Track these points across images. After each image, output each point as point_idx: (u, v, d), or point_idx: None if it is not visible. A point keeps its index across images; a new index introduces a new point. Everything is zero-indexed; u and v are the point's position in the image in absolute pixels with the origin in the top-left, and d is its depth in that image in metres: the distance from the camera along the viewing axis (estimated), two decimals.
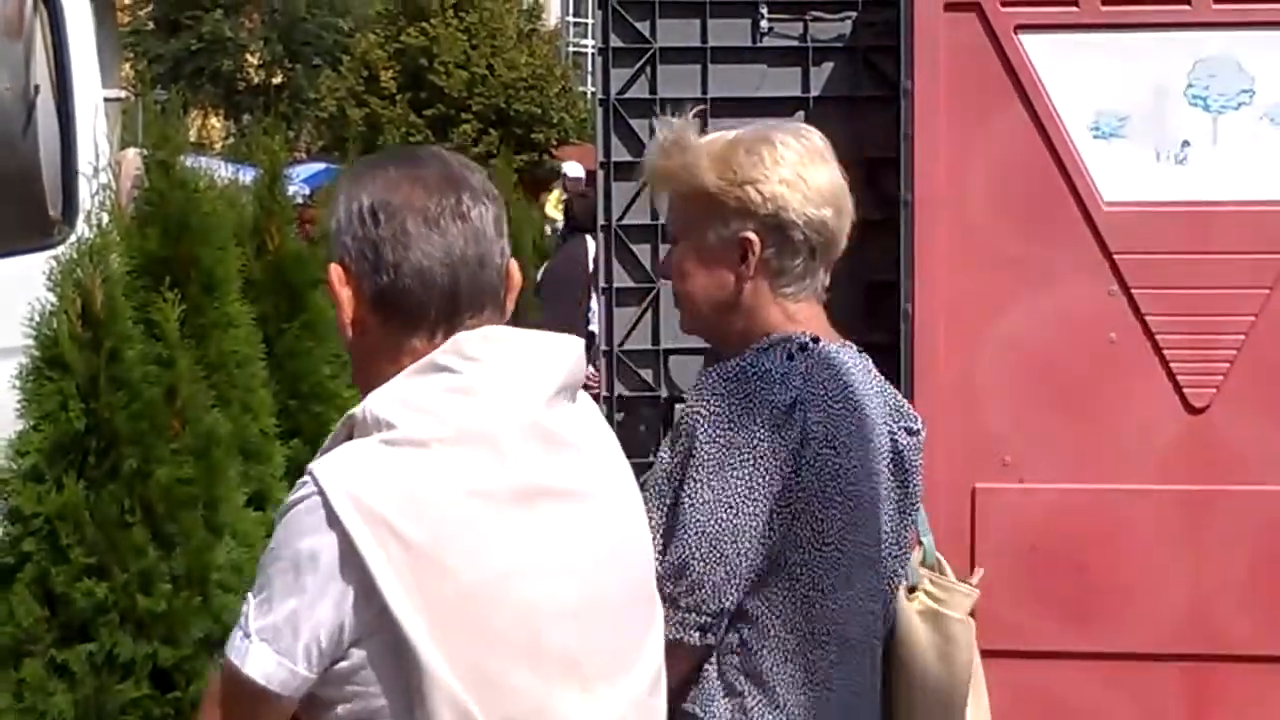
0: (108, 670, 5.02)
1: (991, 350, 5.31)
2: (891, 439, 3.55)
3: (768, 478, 3.30)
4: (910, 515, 3.65)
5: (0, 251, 10.07)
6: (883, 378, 3.57)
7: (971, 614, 3.70)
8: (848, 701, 3.47)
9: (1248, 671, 5.26)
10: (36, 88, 10.09)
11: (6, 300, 9.88)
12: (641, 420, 6.25)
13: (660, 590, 3.08)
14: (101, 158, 10.60)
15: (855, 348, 3.55)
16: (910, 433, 3.61)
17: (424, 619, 2.68)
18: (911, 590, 3.67)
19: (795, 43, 6.23)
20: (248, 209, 6.50)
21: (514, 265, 2.95)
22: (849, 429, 3.39)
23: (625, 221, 6.27)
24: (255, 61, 63.56)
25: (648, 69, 6.23)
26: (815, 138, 3.52)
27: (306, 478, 2.81)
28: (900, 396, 3.64)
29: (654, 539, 3.14)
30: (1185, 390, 5.26)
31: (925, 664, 3.67)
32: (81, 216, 8.32)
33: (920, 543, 3.75)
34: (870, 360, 3.57)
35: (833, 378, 3.39)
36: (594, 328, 6.63)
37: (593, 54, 6.59)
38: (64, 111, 10.08)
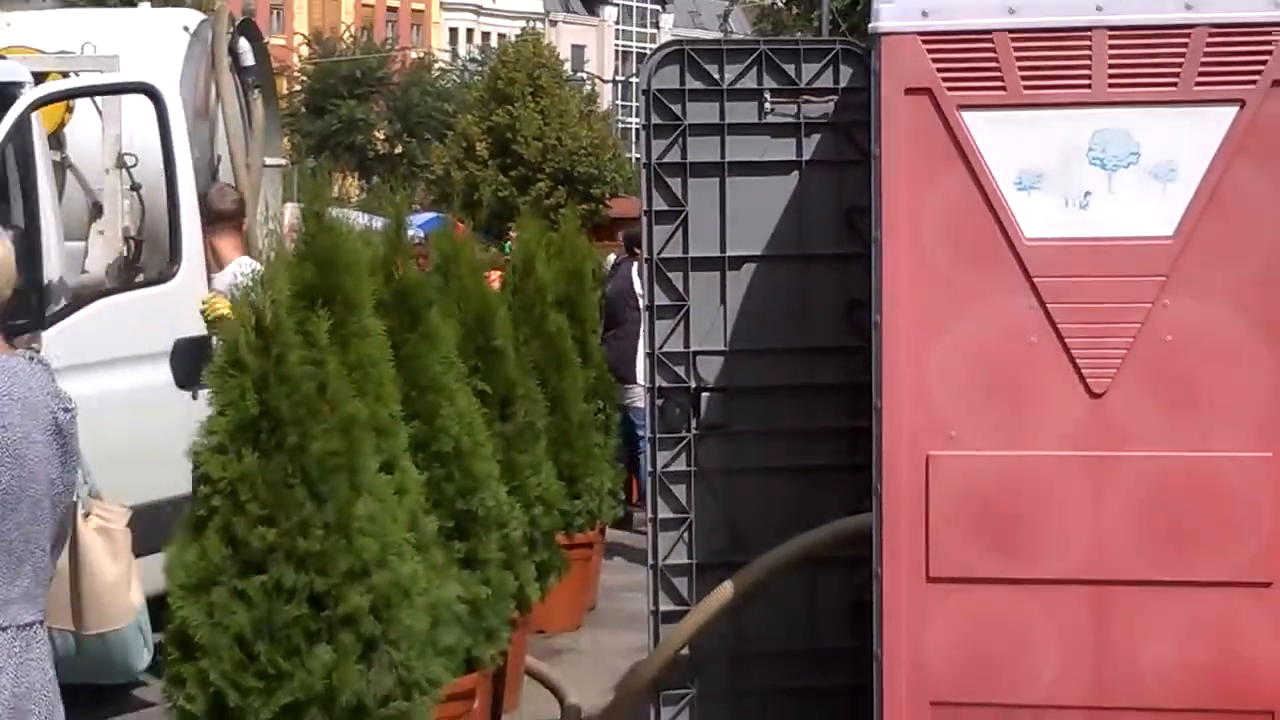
0: (276, 595, 5.06)
1: (941, 350, 5.31)
2: (53, 417, 3.99)
3: None
4: (72, 466, 4.10)
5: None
6: (46, 377, 4.02)
7: (131, 525, 4.54)
8: (28, 591, 3.97)
9: (1136, 592, 5.26)
10: (219, 157, 10.17)
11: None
12: (676, 404, 6.28)
13: None
14: (270, 210, 10.69)
15: (27, 357, 4.05)
16: (66, 411, 4.05)
17: None
18: (87, 515, 4.37)
19: (791, 119, 6.25)
20: (379, 248, 6.53)
21: None
22: (13, 413, 3.88)
23: (663, 255, 6.29)
24: (381, 137, 63.82)
25: (680, 140, 6.24)
26: None
27: None
28: (59, 386, 4.07)
29: None
30: (1088, 380, 5.25)
31: (100, 561, 4.41)
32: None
33: (86, 483, 4.36)
34: (42, 366, 4.03)
35: (2, 380, 3.88)
36: None
37: (637, 129, 6.62)
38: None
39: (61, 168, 8.96)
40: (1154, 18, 5.22)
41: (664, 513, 6.27)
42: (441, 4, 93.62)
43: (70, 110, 9.19)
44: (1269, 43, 5.16)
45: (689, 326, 6.28)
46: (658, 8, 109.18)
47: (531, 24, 73.55)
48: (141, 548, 7.45)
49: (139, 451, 7.21)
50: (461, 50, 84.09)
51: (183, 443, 5.20)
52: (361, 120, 62.64)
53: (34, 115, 7.95)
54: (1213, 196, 5.21)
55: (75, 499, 4.24)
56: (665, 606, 6.28)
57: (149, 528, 7.48)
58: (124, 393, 7.73)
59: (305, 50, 67.16)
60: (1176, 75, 5.21)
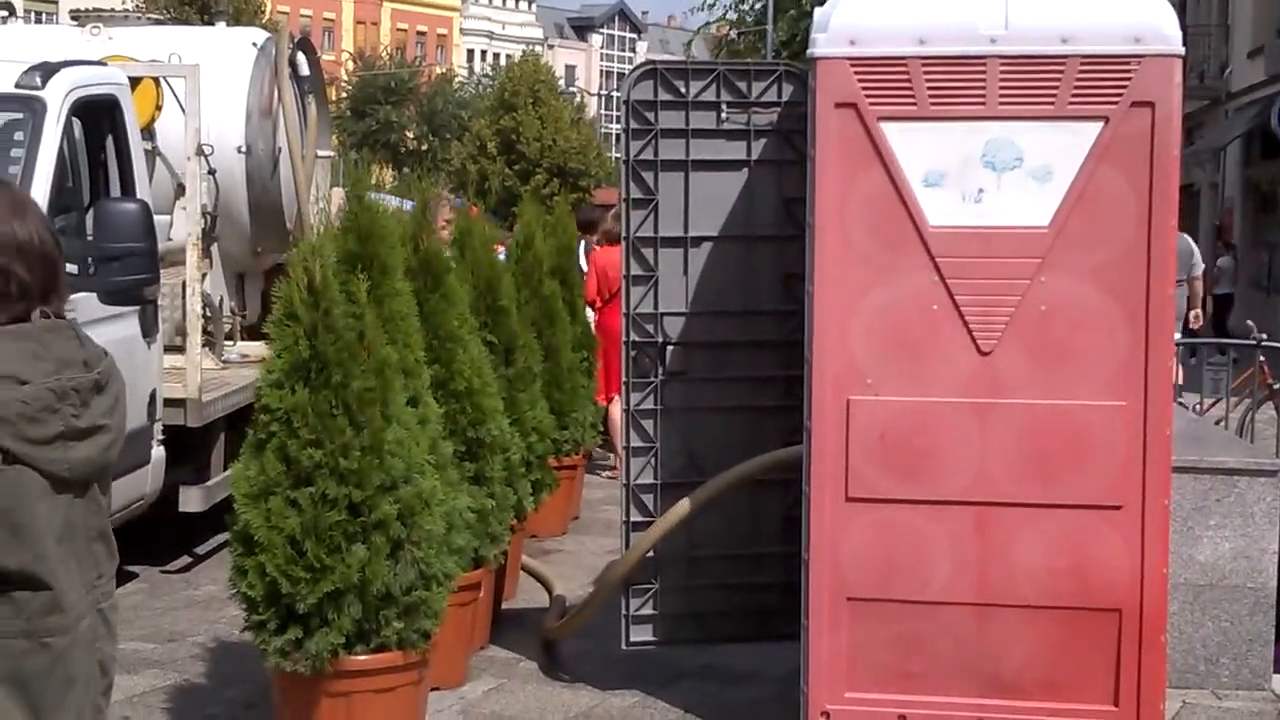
0: (321, 503, 5.02)
1: (862, 315, 5.28)
2: None
3: None
4: None
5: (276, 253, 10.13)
6: None
7: None
8: None
9: (1013, 512, 5.24)
10: (279, 149, 10.07)
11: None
12: (646, 355, 6.23)
13: None
14: (320, 193, 10.61)
15: None
16: None
17: None
18: None
19: (743, 126, 6.19)
20: (408, 224, 6.46)
21: None
22: None
23: (638, 234, 6.23)
24: (410, 136, 63.47)
25: (653, 142, 6.17)
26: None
27: None
28: None
29: None
30: (978, 340, 5.23)
31: None
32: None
33: None
34: None
35: None
36: None
37: (618, 133, 6.53)
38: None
39: (152, 155, 8.87)
40: (1037, 49, 5.18)
41: (635, 442, 6.23)
42: (461, 30, 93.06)
43: (159, 108, 9.09)
44: (1129, 71, 5.12)
45: (658, 292, 6.23)
46: (635, 36, 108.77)
47: (533, 47, 73.17)
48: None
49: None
50: (477, 67, 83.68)
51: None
52: (395, 122, 62.41)
53: (131, 111, 7.83)
54: (1081, 195, 5.18)
55: None
56: (635, 517, 6.25)
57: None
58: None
59: (350, 64, 66.71)
60: (1054, 96, 5.17)
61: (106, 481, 2.80)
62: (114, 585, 2.81)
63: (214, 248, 9.49)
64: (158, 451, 7.87)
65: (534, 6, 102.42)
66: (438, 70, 71.45)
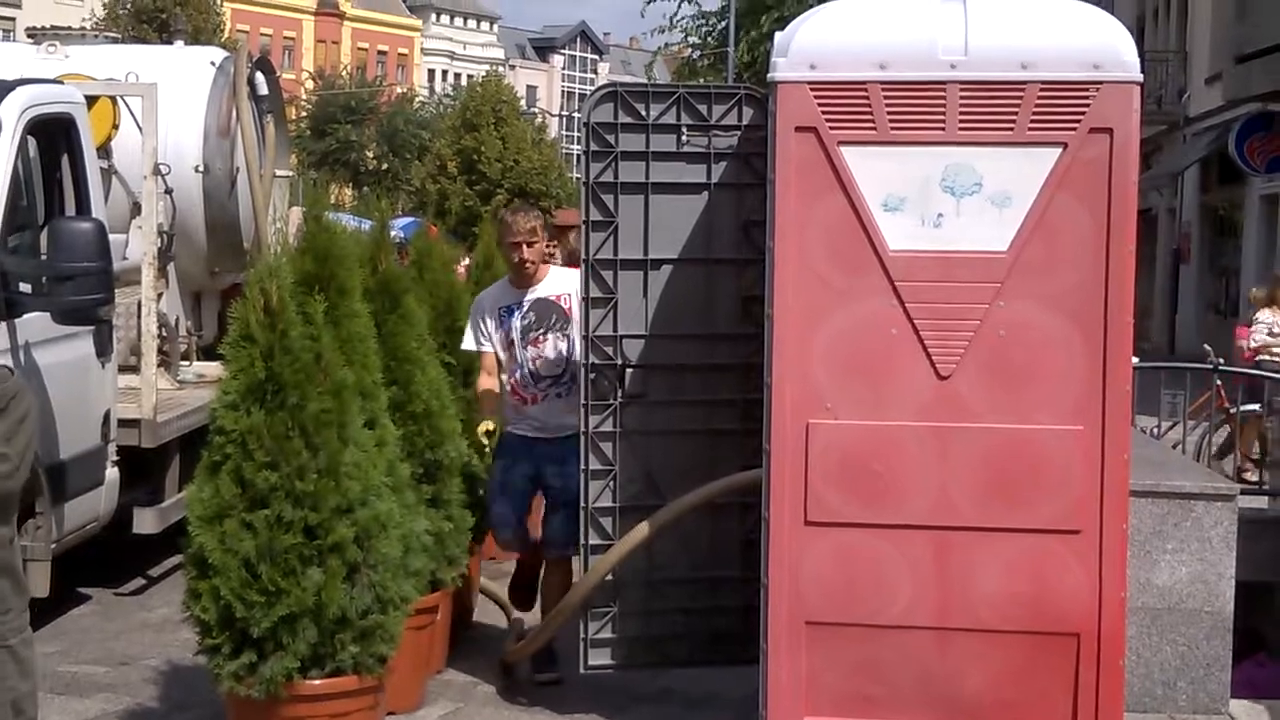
0: (276, 526, 5.00)
1: (821, 339, 5.28)
2: None
3: None
4: None
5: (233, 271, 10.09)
6: None
7: None
8: None
9: (972, 536, 5.25)
10: (237, 168, 10.03)
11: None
12: (605, 378, 6.22)
13: None
14: (278, 212, 10.57)
15: None
16: None
17: None
18: None
19: (703, 149, 6.18)
20: (366, 245, 6.44)
21: None
22: None
23: (598, 256, 6.21)
24: (371, 155, 63.32)
25: (613, 164, 6.16)
26: None
27: None
28: None
29: None
30: (937, 365, 5.25)
31: None
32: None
33: None
34: None
35: None
36: None
37: (579, 154, 6.52)
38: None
39: (108, 174, 8.81)
40: (996, 75, 5.21)
41: (594, 465, 6.21)
42: (422, 50, 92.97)
43: (116, 127, 9.04)
44: (1088, 97, 5.16)
45: (617, 315, 6.22)
46: (596, 58, 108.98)
47: (495, 68, 73.24)
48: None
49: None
50: (438, 87, 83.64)
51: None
52: (355, 142, 62.24)
53: (87, 130, 7.79)
54: (1040, 220, 5.21)
55: None
56: (594, 541, 6.23)
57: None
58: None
59: (310, 83, 66.60)
60: (1013, 122, 5.20)
61: (9, 513, 2.69)
62: (26, 620, 2.70)
63: (170, 267, 9.44)
64: (112, 472, 7.80)
65: (495, 27, 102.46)
66: (398, 90, 71.37)
